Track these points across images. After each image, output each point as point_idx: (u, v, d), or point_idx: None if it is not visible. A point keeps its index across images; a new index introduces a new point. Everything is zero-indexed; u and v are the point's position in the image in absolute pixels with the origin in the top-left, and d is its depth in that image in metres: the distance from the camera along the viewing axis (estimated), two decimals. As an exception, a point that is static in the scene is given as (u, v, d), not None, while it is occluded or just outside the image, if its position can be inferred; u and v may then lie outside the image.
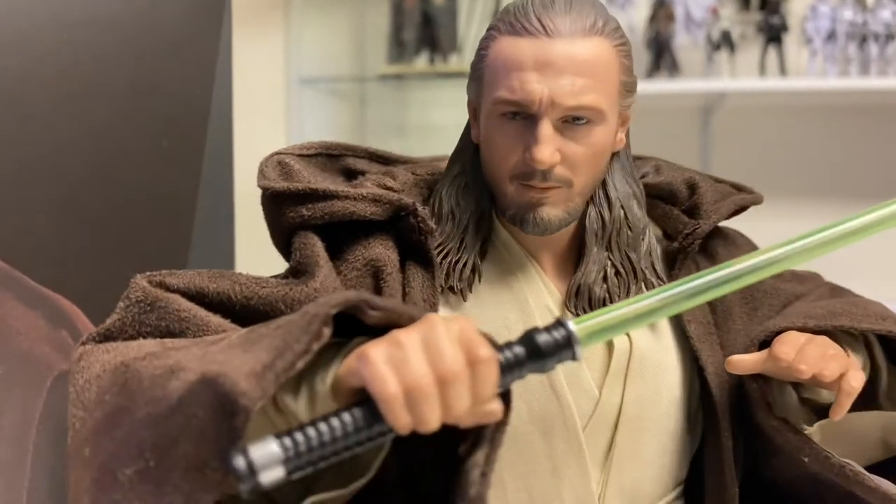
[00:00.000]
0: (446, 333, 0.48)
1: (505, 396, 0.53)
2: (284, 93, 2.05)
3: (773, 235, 2.08)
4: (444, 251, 0.73)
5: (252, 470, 0.46)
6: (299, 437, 0.48)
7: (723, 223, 0.85)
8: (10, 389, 0.61)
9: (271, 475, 0.47)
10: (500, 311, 0.73)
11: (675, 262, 0.78)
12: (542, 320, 0.72)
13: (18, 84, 0.66)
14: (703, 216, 0.78)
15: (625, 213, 0.74)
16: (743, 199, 0.83)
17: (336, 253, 0.72)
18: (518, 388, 0.64)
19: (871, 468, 0.75)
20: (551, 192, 0.68)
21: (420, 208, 0.72)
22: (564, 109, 0.65)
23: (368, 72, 2.02)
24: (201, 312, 0.62)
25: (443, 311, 0.72)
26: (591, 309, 0.72)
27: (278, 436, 0.48)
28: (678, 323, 0.77)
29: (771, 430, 0.69)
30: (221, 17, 0.84)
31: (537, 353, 0.52)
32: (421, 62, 1.88)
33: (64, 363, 0.65)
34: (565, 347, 0.52)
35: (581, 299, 0.72)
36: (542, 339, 0.52)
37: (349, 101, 2.12)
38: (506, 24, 0.68)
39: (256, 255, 0.79)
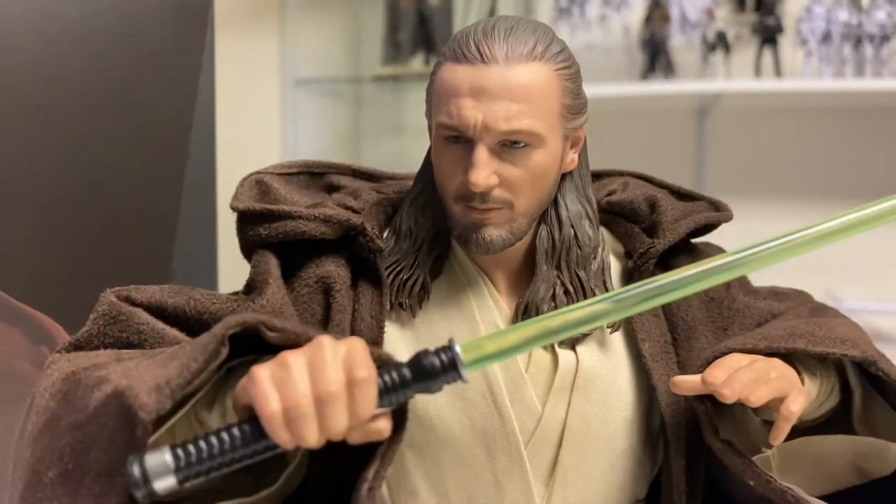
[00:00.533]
0: (331, 354, 0.51)
1: (399, 414, 0.56)
2: (279, 94, 2.05)
3: (767, 235, 2.08)
4: (398, 269, 0.75)
5: (146, 478, 0.50)
6: (191, 448, 0.51)
7: (701, 239, 0.85)
8: None
9: (164, 483, 0.50)
10: (449, 328, 0.73)
11: (631, 281, 0.78)
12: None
13: None
14: (660, 235, 0.78)
15: (575, 233, 0.74)
16: (707, 217, 0.82)
17: (292, 271, 0.74)
18: (460, 402, 0.72)
19: (845, 493, 0.75)
20: (492, 213, 0.69)
21: (369, 228, 0.74)
22: (499, 134, 0.66)
23: (364, 73, 2.02)
24: (158, 325, 0.66)
25: (391, 328, 0.74)
26: None
27: (173, 447, 0.51)
28: (632, 340, 0.77)
29: (718, 451, 0.69)
30: (205, 28, 0.84)
31: (423, 374, 0.54)
32: (416, 63, 1.88)
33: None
34: (451, 369, 0.54)
35: (529, 317, 0.72)
36: (429, 360, 0.54)
37: (344, 102, 2.12)
38: (450, 50, 0.70)
39: (239, 264, 0.79)
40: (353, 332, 0.72)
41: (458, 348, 0.55)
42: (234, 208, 0.76)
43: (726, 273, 0.60)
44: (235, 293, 0.74)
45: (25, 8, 0.68)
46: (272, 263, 0.73)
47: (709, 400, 0.69)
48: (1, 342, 0.65)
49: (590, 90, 1.78)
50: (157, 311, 0.67)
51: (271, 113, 2.09)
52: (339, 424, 0.50)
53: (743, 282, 0.88)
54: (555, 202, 0.75)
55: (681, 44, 1.79)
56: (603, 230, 0.82)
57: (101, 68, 0.74)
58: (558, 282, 0.74)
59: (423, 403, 0.72)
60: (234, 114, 2.12)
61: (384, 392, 0.53)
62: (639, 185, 0.85)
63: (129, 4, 0.78)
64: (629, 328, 0.77)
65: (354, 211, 0.78)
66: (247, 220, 0.75)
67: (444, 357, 0.55)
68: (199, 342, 0.55)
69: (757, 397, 0.63)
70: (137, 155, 0.80)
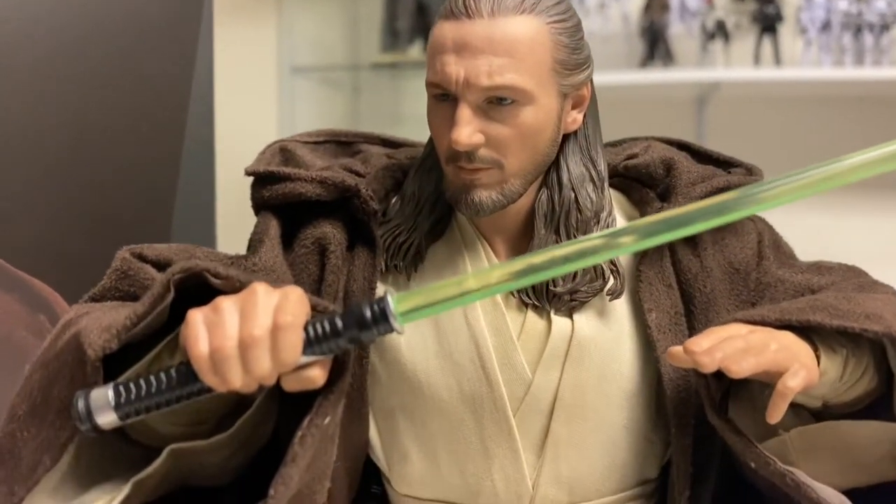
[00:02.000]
0: (263, 300, 0.52)
1: (340, 365, 0.56)
2: (276, 81, 2.04)
3: (772, 222, 2.06)
4: (397, 231, 0.74)
5: (88, 412, 0.53)
6: (132, 386, 0.54)
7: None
8: None
9: (106, 419, 0.53)
10: None
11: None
12: (482, 305, 0.72)
13: None
14: (673, 200, 0.75)
15: (575, 196, 0.71)
16: (727, 180, 0.77)
17: (294, 232, 0.75)
18: (449, 365, 0.72)
19: (886, 487, 0.69)
20: (481, 173, 0.67)
21: (364, 190, 0.74)
22: (481, 90, 0.64)
23: (362, 60, 2.01)
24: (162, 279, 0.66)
25: (384, 290, 0.72)
26: (534, 294, 0.71)
27: (116, 384, 0.54)
28: (639, 310, 0.74)
29: (718, 428, 0.67)
30: (201, 11, 0.84)
31: (353, 323, 0.53)
32: (415, 50, 1.87)
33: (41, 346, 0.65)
34: (382, 320, 0.54)
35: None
36: (359, 310, 0.54)
37: (342, 90, 2.11)
38: (444, 7, 0.68)
39: (237, 239, 0.79)
40: (345, 294, 0.72)
41: (390, 299, 0.54)
42: (246, 171, 0.77)
43: (734, 211, 0.55)
44: (236, 255, 0.76)
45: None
46: (271, 224, 0.74)
47: (713, 374, 0.66)
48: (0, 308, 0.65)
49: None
50: (164, 268, 0.68)
51: (268, 100, 2.08)
52: (262, 368, 0.51)
53: (781, 254, 0.83)
54: (556, 164, 0.72)
55: (680, 32, 1.78)
56: (620, 195, 0.80)
57: (99, 46, 0.74)
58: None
59: (412, 366, 0.72)
60: (230, 101, 2.11)
61: (314, 340, 0.53)
62: (660, 148, 0.82)
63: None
64: (636, 297, 0.74)
65: (360, 175, 0.77)
66: (255, 183, 0.77)
67: (375, 308, 0.54)
68: (155, 286, 0.58)
69: (740, 367, 0.59)
70: (134, 127, 0.79)
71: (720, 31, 1.76)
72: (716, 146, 2.01)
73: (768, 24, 1.73)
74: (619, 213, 0.78)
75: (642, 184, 0.80)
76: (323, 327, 0.53)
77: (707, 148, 0.87)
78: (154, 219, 0.81)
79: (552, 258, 0.53)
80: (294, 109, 1.97)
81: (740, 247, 0.78)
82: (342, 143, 0.85)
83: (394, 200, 0.78)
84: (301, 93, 1.99)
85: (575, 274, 0.70)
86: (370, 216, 0.74)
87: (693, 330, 0.74)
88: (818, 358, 0.65)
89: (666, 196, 0.76)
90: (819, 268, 0.82)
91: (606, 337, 0.73)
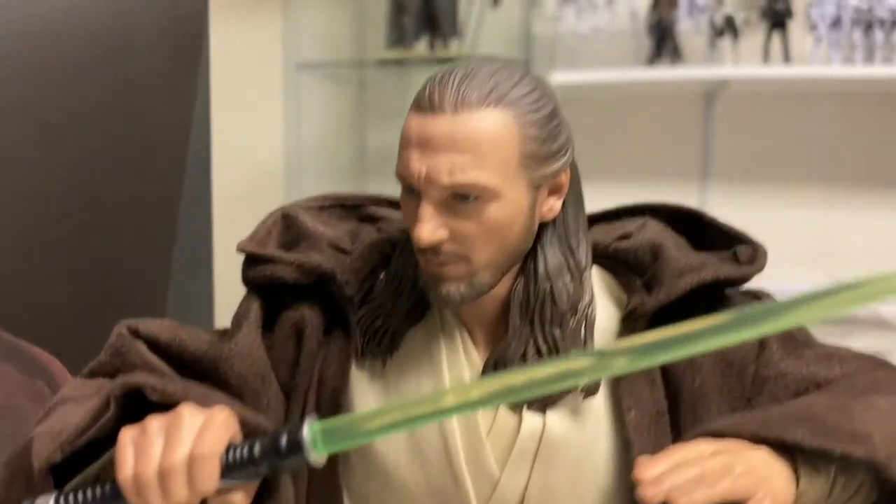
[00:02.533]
0: (187, 424, 0.53)
1: (269, 484, 0.57)
2: (282, 78, 2.04)
3: (775, 222, 2.06)
4: (375, 315, 0.72)
5: None
6: (71, 498, 0.55)
7: (748, 285, 0.73)
8: None
9: None
10: (417, 381, 0.71)
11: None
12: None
13: None
14: (654, 292, 0.70)
15: (551, 287, 0.68)
16: (715, 273, 0.69)
17: (277, 312, 0.75)
18: (418, 458, 0.70)
19: None
20: (448, 266, 0.65)
21: (339, 276, 0.72)
22: (443, 188, 0.62)
23: (367, 57, 2.00)
24: (151, 359, 0.70)
25: (361, 376, 0.72)
26: None
27: (59, 493, 0.56)
28: (618, 407, 0.69)
29: None
30: (201, 35, 0.83)
31: (272, 452, 0.52)
32: (420, 47, 1.86)
33: (40, 413, 0.69)
34: (298, 451, 0.52)
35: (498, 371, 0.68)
36: (276, 439, 0.52)
37: (348, 87, 2.10)
38: (416, 96, 0.66)
39: (234, 241, 0.79)
40: (320, 379, 0.72)
41: (306, 431, 0.52)
42: (237, 247, 0.77)
43: (727, 335, 0.49)
44: (223, 330, 0.76)
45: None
46: (252, 307, 0.74)
47: None
48: None
49: (596, 75, 1.76)
50: (153, 346, 0.70)
51: (274, 97, 2.07)
52: (180, 496, 0.52)
53: (791, 342, 0.74)
54: (534, 252, 0.69)
55: (688, 28, 1.77)
56: (609, 277, 0.75)
57: (97, 70, 0.73)
58: (531, 339, 0.68)
59: (383, 456, 0.71)
60: (235, 99, 2.10)
61: (232, 466, 0.53)
62: (652, 230, 0.75)
63: (124, 4, 0.76)
64: (615, 393, 0.70)
65: (346, 252, 0.75)
66: (245, 260, 0.77)
67: (288, 438, 0.52)
68: (95, 399, 0.61)
69: (688, 501, 0.54)
70: (136, 152, 0.79)
71: (729, 28, 1.74)
72: (724, 142, 2.00)
73: (778, 20, 1.72)
74: (606, 296, 0.74)
75: (630, 268, 0.74)
76: (241, 454, 0.53)
77: (718, 221, 0.77)
78: (154, 242, 0.81)
79: (532, 380, 0.50)
80: (300, 106, 1.96)
81: None
82: (348, 207, 0.83)
83: (382, 276, 0.75)
84: (307, 89, 1.98)
85: None
86: (345, 301, 0.73)
87: (677, 428, 0.70)
88: (798, 477, 0.60)
89: (651, 286, 0.71)
90: (831, 357, 0.73)
91: (580, 436, 0.69)
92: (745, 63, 1.76)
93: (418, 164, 0.62)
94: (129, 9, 0.76)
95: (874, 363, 0.73)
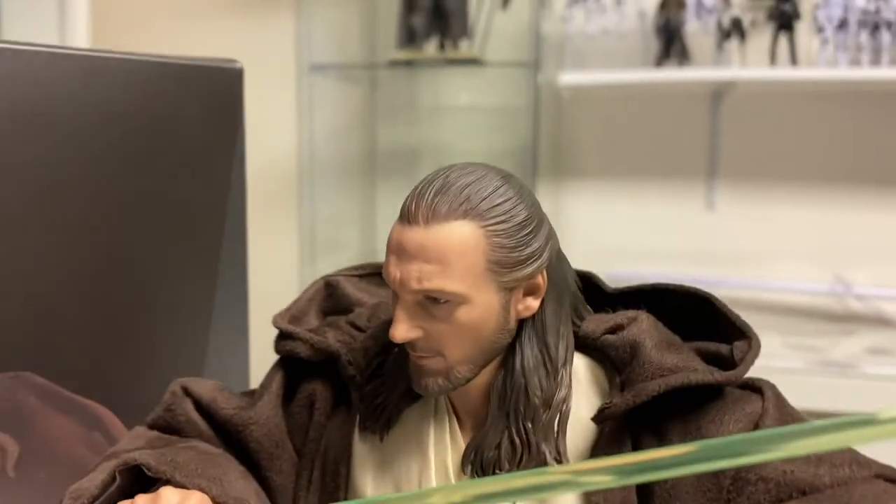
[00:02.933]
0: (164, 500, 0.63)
1: None
2: (296, 80, 2.07)
3: (781, 221, 2.08)
4: (378, 392, 0.76)
5: None
6: None
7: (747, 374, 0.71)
8: (53, 491, 0.72)
9: None
10: (406, 460, 0.74)
11: (600, 436, 0.70)
12: (437, 475, 0.72)
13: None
14: (625, 395, 0.68)
15: (525, 383, 0.69)
16: (687, 378, 0.68)
17: (297, 384, 0.81)
18: None
19: None
20: (426, 360, 0.68)
21: (343, 356, 0.77)
22: (413, 292, 0.66)
23: (379, 58, 2.03)
24: (194, 417, 0.79)
25: (363, 448, 0.76)
26: (483, 472, 0.70)
27: None
28: (587, 499, 0.69)
29: None
30: (237, 127, 0.87)
31: None
32: (431, 48, 1.88)
33: (97, 460, 0.76)
34: None
35: (475, 462, 0.70)
36: None
37: (360, 88, 2.13)
38: (401, 207, 0.70)
39: (251, 242, 0.83)
40: (324, 451, 0.77)
41: None
42: (273, 321, 0.83)
43: (703, 464, 0.46)
44: (253, 392, 0.84)
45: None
46: (275, 378, 0.81)
47: None
48: (59, 431, 0.74)
49: (604, 76, 1.78)
50: (197, 405, 0.79)
51: (287, 99, 2.11)
52: None
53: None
54: (513, 347, 0.71)
55: (696, 30, 1.78)
56: (596, 367, 0.75)
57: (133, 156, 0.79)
58: (507, 431, 0.70)
59: None
60: (250, 100, 2.14)
61: None
62: (641, 326, 0.73)
63: (162, 87, 0.81)
64: None
65: (361, 330, 0.80)
66: (278, 332, 0.82)
67: None
68: (106, 472, 0.69)
69: None
70: (172, 244, 0.85)
71: (736, 29, 1.76)
72: (731, 141, 2.02)
73: (785, 21, 1.73)
74: (592, 387, 0.74)
75: (613, 364, 0.74)
76: None
77: (727, 309, 0.75)
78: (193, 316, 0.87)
79: (508, 489, 0.51)
80: (312, 106, 2.00)
81: (722, 433, 0.68)
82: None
83: (395, 352, 0.78)
84: (319, 90, 2.01)
85: (520, 459, 0.69)
86: (349, 380, 0.77)
87: None
88: None
89: (624, 385, 0.71)
90: (821, 461, 0.68)
91: None
92: (752, 65, 1.78)
93: (394, 270, 0.66)
94: (168, 91, 0.81)
95: (870, 471, 0.67)
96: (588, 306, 0.76)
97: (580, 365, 0.74)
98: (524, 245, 0.67)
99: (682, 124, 1.97)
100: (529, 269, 0.68)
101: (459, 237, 0.65)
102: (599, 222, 2.05)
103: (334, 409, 0.78)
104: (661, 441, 0.69)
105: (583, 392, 0.72)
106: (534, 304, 0.70)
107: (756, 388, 0.72)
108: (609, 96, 2.00)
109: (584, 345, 0.74)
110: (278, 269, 2.17)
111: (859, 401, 1.55)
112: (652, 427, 0.69)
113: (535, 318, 0.71)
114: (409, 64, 1.92)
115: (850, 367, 1.63)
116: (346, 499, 0.75)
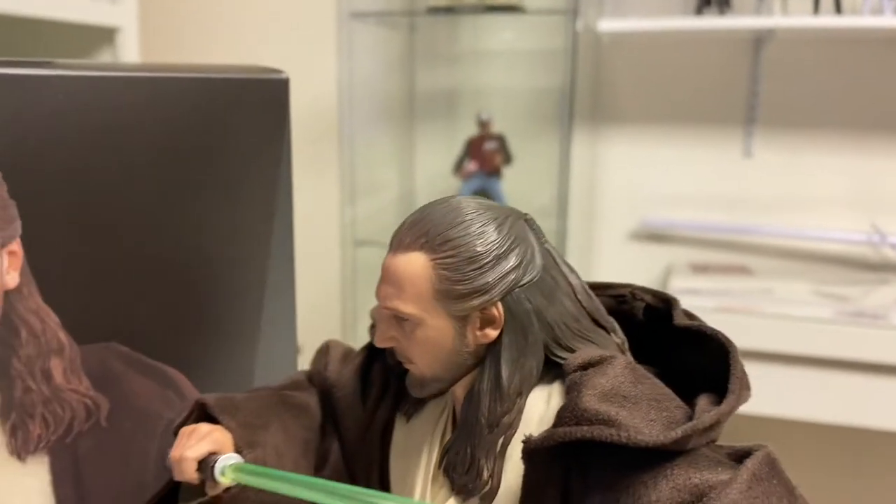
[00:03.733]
0: (191, 435, 0.75)
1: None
2: (336, 27, 2.09)
3: (819, 169, 2.08)
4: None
5: None
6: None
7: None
8: (134, 438, 0.83)
9: None
10: (416, 442, 0.80)
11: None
12: (423, 469, 0.78)
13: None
14: (543, 434, 0.68)
15: (478, 404, 0.73)
16: (594, 432, 0.64)
17: (375, 357, 0.88)
18: None
19: None
20: (406, 366, 0.76)
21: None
22: (384, 308, 0.74)
23: (418, 4, 2.04)
24: (322, 373, 0.89)
25: (399, 426, 0.82)
26: (445, 474, 0.75)
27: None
28: None
29: None
30: (281, 153, 0.93)
31: (207, 468, 0.73)
32: (470, -6, 1.89)
33: (170, 413, 0.86)
34: (211, 472, 0.73)
35: (443, 462, 0.76)
36: (212, 462, 0.73)
37: (399, 34, 2.15)
38: None
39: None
40: (370, 423, 0.84)
41: (223, 463, 0.73)
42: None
43: None
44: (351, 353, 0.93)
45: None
46: (361, 353, 0.88)
47: None
48: (140, 390, 0.83)
49: (643, 23, 1.78)
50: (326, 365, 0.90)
51: (327, 46, 2.14)
52: (177, 476, 0.74)
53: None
54: (481, 371, 0.74)
55: (739, -25, 1.76)
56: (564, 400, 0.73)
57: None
58: (463, 443, 0.74)
59: None
60: (291, 48, 2.17)
61: (202, 469, 0.74)
62: (606, 369, 0.71)
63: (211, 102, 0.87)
64: None
65: None
66: None
67: (214, 463, 0.73)
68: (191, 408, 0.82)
69: None
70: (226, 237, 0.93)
71: (780, -24, 1.73)
72: (770, 90, 2.00)
73: (830, -33, 1.70)
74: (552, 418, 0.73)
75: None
76: (205, 463, 0.74)
77: (735, 367, 0.70)
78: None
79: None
80: (352, 54, 2.03)
81: (648, 500, 0.62)
82: None
83: None
84: (360, 36, 2.04)
85: (467, 468, 0.73)
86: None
87: None
88: None
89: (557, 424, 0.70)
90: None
91: None
92: (793, 12, 1.76)
93: (378, 288, 0.74)
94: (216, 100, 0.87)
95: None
96: (587, 339, 0.74)
97: (552, 394, 0.74)
98: (469, 280, 0.71)
99: (722, 71, 1.97)
100: (475, 302, 0.71)
101: (412, 267, 0.71)
102: (636, 168, 2.07)
103: (385, 388, 0.85)
104: (585, 482, 0.67)
105: (537, 421, 0.73)
106: (492, 333, 0.72)
107: (741, 454, 0.64)
108: (648, 43, 1.99)
109: (566, 372, 0.73)
110: (320, 210, 2.25)
111: (887, 351, 1.58)
112: (581, 467, 0.67)
113: (494, 348, 0.73)
114: (448, 10, 1.93)
115: (880, 317, 1.65)
116: (377, 476, 0.83)
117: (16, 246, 0.72)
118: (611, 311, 0.78)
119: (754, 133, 1.99)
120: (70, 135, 0.74)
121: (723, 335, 0.72)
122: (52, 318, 0.75)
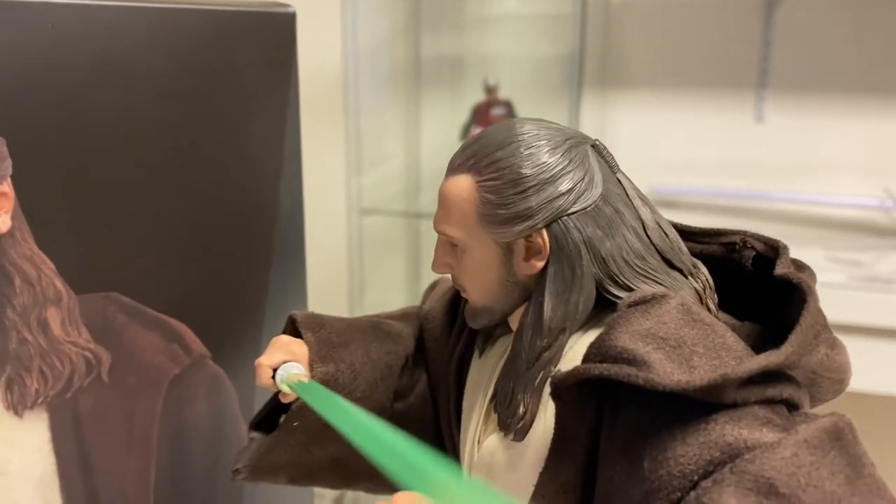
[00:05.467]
0: (272, 345, 0.76)
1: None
2: (340, -9, 2.04)
3: (831, 133, 2.04)
4: None
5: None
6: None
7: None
8: (140, 393, 0.80)
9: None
10: (484, 376, 0.77)
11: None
12: (480, 400, 0.76)
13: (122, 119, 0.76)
14: (571, 369, 0.63)
15: (521, 338, 0.70)
16: (615, 370, 0.59)
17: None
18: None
19: None
20: (462, 294, 0.74)
21: None
22: (438, 232, 0.73)
23: (423, -34, 1.99)
24: (424, 307, 0.90)
25: (473, 359, 0.81)
26: (495, 405, 0.73)
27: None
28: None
29: None
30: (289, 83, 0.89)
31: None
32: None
33: (176, 369, 0.84)
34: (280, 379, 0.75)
35: (495, 394, 0.74)
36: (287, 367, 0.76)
37: (405, 1, 2.10)
38: None
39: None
40: (451, 356, 0.83)
41: (291, 371, 0.74)
42: None
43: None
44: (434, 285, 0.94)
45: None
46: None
47: None
48: (143, 343, 0.80)
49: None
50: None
51: (332, 10, 2.09)
52: (258, 383, 0.75)
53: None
54: (528, 304, 0.71)
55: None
56: None
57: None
58: (509, 378, 0.71)
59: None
60: (298, 13, 2.12)
61: (275, 376, 0.75)
62: (657, 307, 0.65)
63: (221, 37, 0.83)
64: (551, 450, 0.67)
65: None
66: None
67: (280, 370, 0.75)
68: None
69: None
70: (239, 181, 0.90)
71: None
72: (782, 53, 1.95)
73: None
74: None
75: None
76: (280, 371, 0.75)
77: (805, 318, 0.61)
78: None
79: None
80: (357, 16, 1.98)
81: (673, 453, 0.56)
82: None
83: None
84: (364, 4, 1.99)
85: (508, 401, 0.70)
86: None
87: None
88: None
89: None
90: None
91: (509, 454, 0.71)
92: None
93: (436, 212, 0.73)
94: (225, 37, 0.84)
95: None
96: (652, 279, 0.68)
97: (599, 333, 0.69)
98: (511, 203, 0.68)
99: (733, 35, 1.92)
100: (518, 228, 0.68)
101: (458, 189, 0.70)
102: (646, 133, 2.04)
103: (465, 325, 0.82)
104: (613, 427, 0.62)
105: (581, 361, 0.67)
106: (538, 264, 0.69)
107: (807, 421, 0.55)
108: (658, 6, 1.95)
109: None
110: (325, 179, 2.21)
111: (901, 315, 1.56)
112: (613, 411, 0.62)
113: (540, 281, 0.69)
114: (454, -28, 1.88)
115: (893, 282, 1.63)
116: (454, 408, 0.82)
117: (6, 186, 0.68)
118: (720, 261, 0.72)
119: (766, 97, 1.95)
120: (66, 68, 0.70)
121: (807, 283, 0.64)
122: (48, 266, 0.71)
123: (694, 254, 0.73)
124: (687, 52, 1.97)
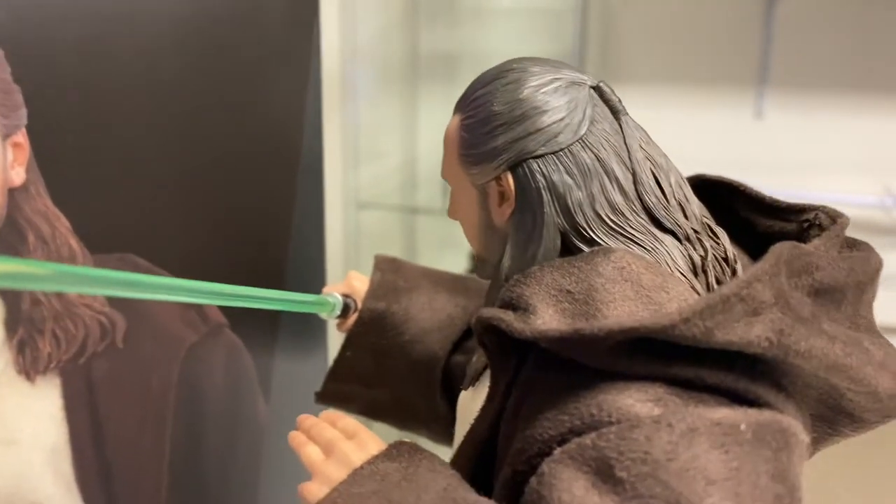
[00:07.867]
0: (347, 275, 0.88)
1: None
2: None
3: (831, 132, 2.04)
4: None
5: None
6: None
7: None
8: (156, 361, 0.78)
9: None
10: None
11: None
12: None
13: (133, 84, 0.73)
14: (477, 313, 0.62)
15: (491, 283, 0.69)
16: (478, 316, 0.60)
17: None
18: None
19: None
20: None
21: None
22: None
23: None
24: None
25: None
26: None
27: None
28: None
29: None
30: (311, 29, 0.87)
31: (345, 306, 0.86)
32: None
33: (193, 336, 0.82)
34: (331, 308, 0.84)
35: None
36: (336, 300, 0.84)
37: (403, -10, 2.08)
38: None
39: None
40: None
41: (334, 298, 0.82)
42: None
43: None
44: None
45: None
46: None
47: None
48: (160, 309, 0.79)
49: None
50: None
51: (329, 5, 2.06)
52: None
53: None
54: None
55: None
56: None
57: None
58: None
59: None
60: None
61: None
62: (592, 259, 0.61)
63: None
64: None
65: None
66: None
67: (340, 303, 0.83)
68: None
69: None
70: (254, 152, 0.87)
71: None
72: (783, 50, 1.95)
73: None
74: None
75: None
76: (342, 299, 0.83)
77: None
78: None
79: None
80: (355, 12, 1.96)
81: (536, 419, 0.54)
82: None
83: None
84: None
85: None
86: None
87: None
88: None
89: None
90: None
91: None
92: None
93: None
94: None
95: None
96: (627, 237, 0.62)
97: None
98: (480, 143, 0.64)
99: (734, 30, 1.92)
100: (485, 168, 0.64)
101: (449, 130, 0.69)
102: (645, 129, 2.02)
103: None
104: (517, 377, 0.60)
105: None
106: (506, 211, 0.65)
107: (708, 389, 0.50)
108: (658, 1, 1.94)
109: None
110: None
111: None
112: (530, 366, 0.59)
113: (510, 231, 0.65)
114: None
115: (893, 279, 1.62)
116: None
117: (21, 137, 0.63)
118: (797, 240, 0.63)
119: (766, 94, 1.95)
120: (86, 12, 0.66)
121: (777, 249, 0.57)
122: (63, 223, 0.68)
123: (772, 232, 0.68)
124: (687, 49, 1.96)
